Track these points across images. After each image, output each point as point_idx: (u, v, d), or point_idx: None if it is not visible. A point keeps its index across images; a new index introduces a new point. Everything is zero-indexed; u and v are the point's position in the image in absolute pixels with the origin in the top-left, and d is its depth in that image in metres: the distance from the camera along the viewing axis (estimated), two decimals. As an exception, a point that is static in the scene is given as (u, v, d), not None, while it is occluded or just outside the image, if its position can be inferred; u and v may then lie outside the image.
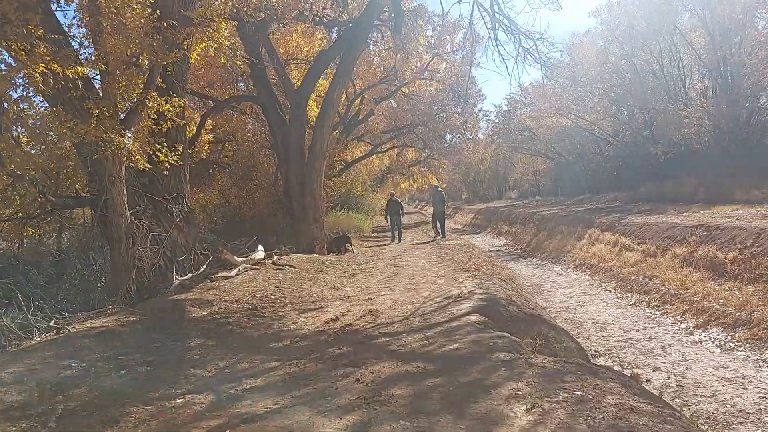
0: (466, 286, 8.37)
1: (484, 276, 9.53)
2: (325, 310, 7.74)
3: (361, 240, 20.46)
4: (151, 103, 10.01)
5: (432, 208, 21.20)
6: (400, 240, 19.75)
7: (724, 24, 25.71)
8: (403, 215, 20.88)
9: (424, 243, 18.93)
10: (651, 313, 11.41)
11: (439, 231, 19.83)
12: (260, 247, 12.81)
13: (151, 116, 10.72)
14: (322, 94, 16.95)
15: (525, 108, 48.30)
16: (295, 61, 24.23)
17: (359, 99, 29.37)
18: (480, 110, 42.42)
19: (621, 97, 29.56)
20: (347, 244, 16.57)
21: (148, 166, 9.87)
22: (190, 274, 10.64)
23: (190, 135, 20.24)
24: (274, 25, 20.93)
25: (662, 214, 18.23)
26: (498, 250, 26.39)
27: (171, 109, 10.23)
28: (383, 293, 8.62)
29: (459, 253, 13.31)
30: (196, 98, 24.02)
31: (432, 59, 29.43)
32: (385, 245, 19.15)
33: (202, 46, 10.91)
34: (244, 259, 11.68)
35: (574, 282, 16.02)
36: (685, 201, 20.89)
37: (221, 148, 27.05)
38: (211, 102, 24.08)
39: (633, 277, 13.78)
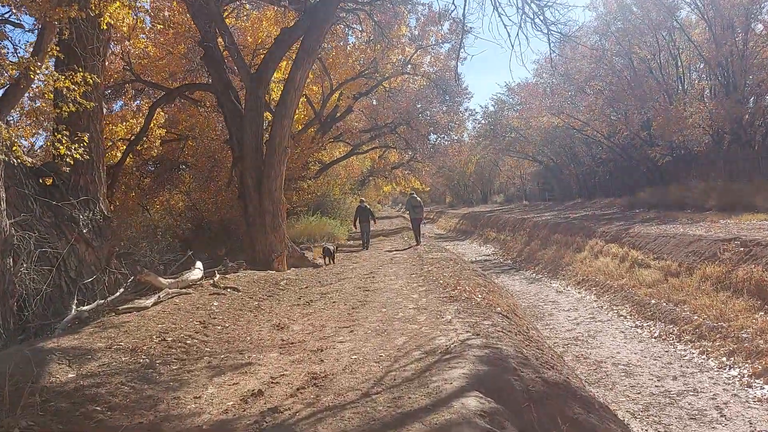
0: (456, 330, 5.99)
1: (479, 310, 7.16)
2: (252, 369, 5.31)
3: (333, 250, 18.02)
4: (37, 77, 7.55)
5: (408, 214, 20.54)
6: (366, 248, 18.42)
7: (727, 18, 23.81)
8: (375, 222, 19.92)
9: (403, 250, 16.59)
10: (685, 351, 9.12)
11: (416, 237, 19.30)
12: (198, 264, 10.31)
13: (46, 95, 8.25)
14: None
15: (512, 109, 46.32)
16: (266, 51, 21.78)
17: (336, 95, 26.94)
18: (466, 109, 40.33)
19: (617, 95, 27.47)
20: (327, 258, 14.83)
21: (27, 159, 7.37)
22: (96, 303, 8.14)
23: (137, 129, 17.77)
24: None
25: (673, 224, 16.07)
26: (486, 260, 24.12)
27: (72, 86, 7.76)
28: (341, 338, 6.21)
29: (444, 271, 10.92)
30: (151, 90, 21.53)
31: (416, 52, 27.12)
32: (357, 255, 16.73)
33: (114, 6, 8.43)
34: (173, 280, 9.19)
35: (579, 303, 13.74)
36: (695, 208, 18.79)
37: (183, 146, 24.58)
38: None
39: (653, 301, 11.51)
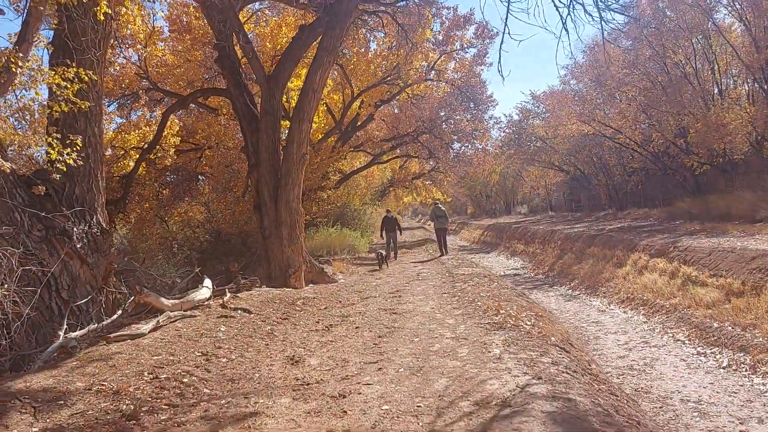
0: (510, 370, 4.85)
1: (532, 341, 6.01)
2: (258, 423, 4.24)
3: (354, 263, 16.94)
4: (23, 71, 6.64)
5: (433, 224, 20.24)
6: (395, 258, 18.24)
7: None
8: (401, 233, 19.69)
9: (427, 262, 15.48)
10: (765, 385, 7.84)
11: (444, 248, 19.11)
12: (207, 282, 9.30)
13: (34, 91, 7.34)
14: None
15: (538, 117, 45.04)
16: (284, 56, 20.93)
17: (357, 103, 26.01)
18: (491, 117, 39.23)
19: (652, 101, 26.07)
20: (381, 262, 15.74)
21: (6, 165, 6.44)
22: (87, 328, 7.16)
23: (150, 137, 16.97)
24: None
25: (725, 236, 14.73)
26: (515, 274, 22.84)
27: (63, 83, 6.85)
28: (368, 377, 5.11)
29: (480, 290, 9.78)
30: (166, 99, 20.79)
31: (440, 57, 26.08)
32: (380, 269, 15.63)
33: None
34: (177, 301, 8.19)
35: (626, 324, 12.45)
36: (744, 219, 17.37)
37: (200, 156, 23.85)
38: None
39: (715, 325, 10.21)
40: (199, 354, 6.15)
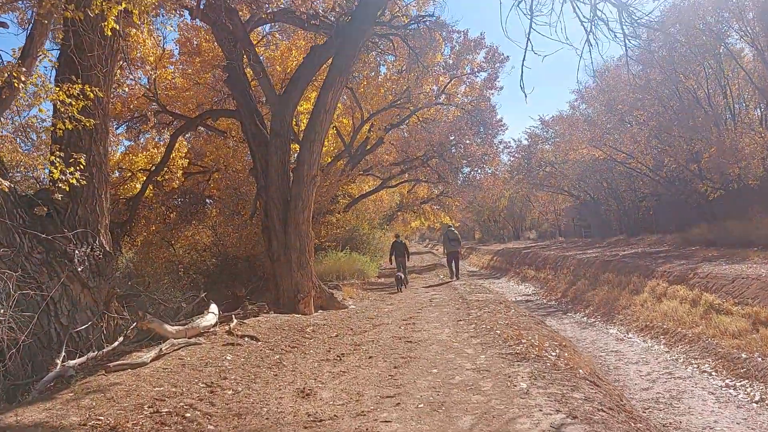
0: (541, 407, 4.46)
1: (559, 374, 5.61)
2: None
3: (364, 289, 16.54)
4: (26, 86, 6.43)
5: (443, 248, 20.56)
6: (406, 285, 17.76)
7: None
8: (409, 258, 19.43)
9: (438, 286, 15.07)
10: (805, 422, 7.35)
11: (456, 273, 19.34)
12: (213, 307, 8.95)
13: (38, 109, 7.13)
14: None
15: (547, 142, 44.84)
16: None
17: (367, 126, 25.90)
18: (500, 141, 39.03)
19: (665, 126, 25.75)
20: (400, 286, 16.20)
21: (5, 183, 6.18)
22: (86, 356, 6.81)
23: (158, 159, 16.82)
24: (258, 29, 17.68)
25: (746, 263, 14.25)
26: (527, 300, 22.33)
27: (68, 99, 6.64)
28: (386, 414, 4.73)
29: (497, 318, 9.37)
30: (175, 121, 20.71)
31: (450, 81, 26.01)
32: (392, 295, 15.23)
33: (120, 8, 7.33)
34: (181, 327, 7.83)
35: (647, 354, 11.96)
36: (763, 246, 16.88)
37: (208, 179, 23.72)
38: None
39: (743, 355, 9.73)
40: (204, 385, 5.78)
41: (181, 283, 21.19)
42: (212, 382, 5.89)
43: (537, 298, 23.46)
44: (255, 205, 13.40)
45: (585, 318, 17.19)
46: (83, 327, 7.35)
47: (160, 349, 6.74)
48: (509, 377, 5.53)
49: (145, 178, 16.48)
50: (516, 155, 43.57)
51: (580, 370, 5.90)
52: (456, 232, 19.92)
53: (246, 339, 7.99)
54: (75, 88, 6.69)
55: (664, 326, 12.98)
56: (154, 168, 16.12)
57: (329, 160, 25.14)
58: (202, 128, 23.50)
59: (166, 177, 16.80)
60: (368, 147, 26.97)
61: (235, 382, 5.99)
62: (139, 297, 9.35)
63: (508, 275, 33.58)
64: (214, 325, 8.51)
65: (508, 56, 25.86)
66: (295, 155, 15.32)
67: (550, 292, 23.68)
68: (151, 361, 6.47)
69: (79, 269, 7.43)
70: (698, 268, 14.57)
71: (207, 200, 26.76)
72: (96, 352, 6.92)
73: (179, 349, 7.18)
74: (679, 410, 8.37)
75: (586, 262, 22.83)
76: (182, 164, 17.03)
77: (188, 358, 6.74)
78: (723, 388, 9.15)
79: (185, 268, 24.61)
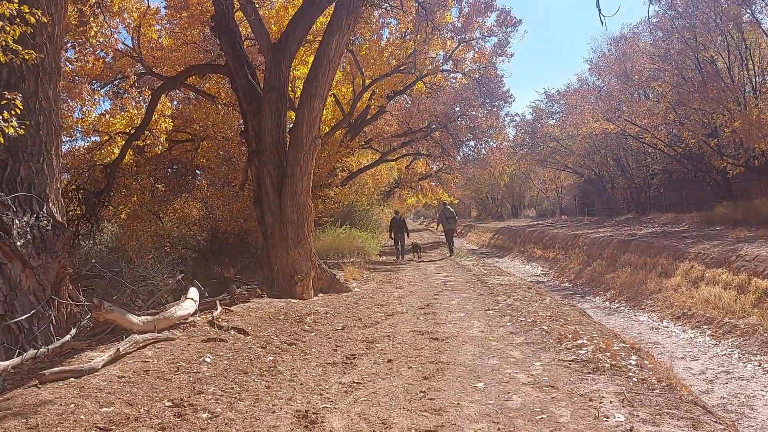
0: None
1: (658, 396, 4.09)
2: None
3: (366, 268, 15.00)
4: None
5: (441, 225, 21.17)
6: (403, 258, 18.92)
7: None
8: (408, 235, 20.38)
9: (443, 265, 13.59)
10: None
11: (450, 248, 20.14)
12: (192, 292, 7.38)
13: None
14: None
15: (553, 116, 43.21)
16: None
17: (368, 94, 24.11)
18: (506, 114, 37.37)
19: (684, 98, 24.08)
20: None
21: None
22: (23, 356, 5.24)
23: (137, 120, 15.08)
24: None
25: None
26: (537, 282, 20.88)
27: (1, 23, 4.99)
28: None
29: (533, 308, 7.87)
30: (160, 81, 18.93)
31: (458, 46, 24.18)
32: (398, 276, 13.70)
33: None
34: (152, 317, 6.27)
35: (692, 347, 10.52)
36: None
37: (197, 147, 21.99)
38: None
39: (820, 353, 8.29)
40: (170, 404, 4.24)
41: (168, 259, 19.71)
42: (182, 399, 4.35)
43: (547, 279, 22.04)
44: (246, 174, 11.76)
45: (607, 303, 15.76)
46: (24, 317, 5.77)
47: (117, 349, 5.17)
48: (590, 400, 4.01)
49: (124, 142, 14.76)
50: (520, 130, 42.02)
51: (683, 391, 4.38)
52: (452, 210, 20.49)
53: (232, 332, 6.44)
54: (9, 7, 5.02)
55: (707, 315, 11.54)
56: (134, 131, 14.37)
57: (327, 129, 23.43)
58: (191, 93, 21.79)
59: (148, 142, 15.08)
60: (369, 117, 25.23)
61: (213, 399, 4.45)
62: (104, 278, 7.73)
63: (512, 254, 32.16)
64: (194, 314, 6.96)
65: (521, 19, 23.98)
66: (291, 123, 13.75)
67: (561, 273, 22.25)
68: (103, 366, 4.92)
69: (19, 243, 5.83)
70: (739, 250, 13.10)
71: (197, 171, 25.17)
72: (36, 351, 5.34)
73: (145, 346, 5.63)
74: (757, 422, 6.92)
75: (601, 241, 21.38)
76: (165, 127, 15.28)
77: (155, 361, 5.19)
78: (800, 393, 7.71)
79: (173, 242, 23.12)
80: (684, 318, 12.13)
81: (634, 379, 4.49)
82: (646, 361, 5.09)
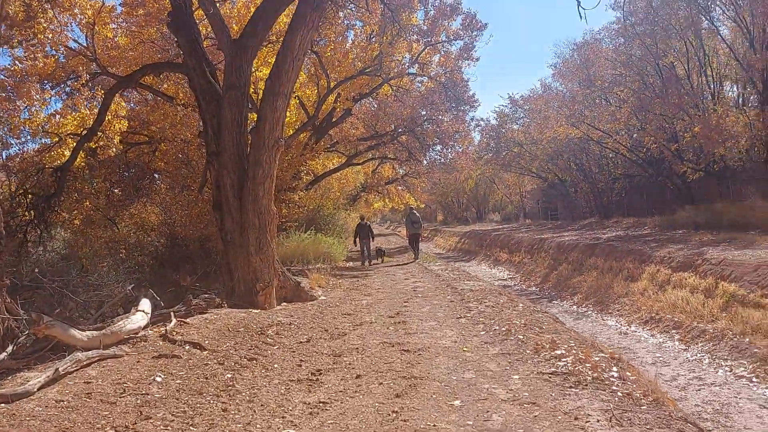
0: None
1: (646, 414, 3.82)
2: None
3: (333, 275, 14.56)
4: None
5: (406, 230, 21.41)
6: (370, 263, 19.19)
7: (765, 23, 21.28)
8: (373, 239, 20.40)
9: (414, 270, 13.26)
10: None
11: (415, 253, 20.18)
12: (144, 304, 6.86)
13: None
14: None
15: (517, 121, 43.51)
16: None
17: (333, 96, 23.70)
18: (472, 119, 37.37)
19: (645, 103, 24.39)
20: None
21: None
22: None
23: (89, 121, 14.32)
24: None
25: (756, 248, 12.89)
26: (504, 286, 20.74)
27: None
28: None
29: (506, 315, 7.60)
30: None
31: (424, 49, 24.00)
32: (366, 283, 13.31)
33: None
34: (97, 332, 5.75)
35: (662, 352, 10.44)
36: (762, 229, 15.64)
37: (154, 150, 21.24)
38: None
39: (790, 358, 8.24)
40: (114, 433, 3.77)
41: (124, 266, 19.00)
42: (127, 426, 3.89)
43: (514, 283, 21.97)
44: (205, 176, 11.21)
45: (575, 307, 15.71)
46: (-49, 335, 5.21)
47: (56, 369, 4.65)
48: (576, 419, 3.72)
49: (75, 143, 13.97)
50: (485, 135, 42.18)
51: (671, 406, 4.13)
52: (418, 214, 20.93)
53: (187, 347, 5.96)
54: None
55: (675, 319, 11.51)
56: (85, 132, 13.61)
57: (291, 132, 22.92)
58: (149, 94, 21.06)
59: (101, 143, 14.33)
60: (334, 119, 24.83)
61: (163, 425, 4.00)
62: (47, 289, 7.14)
63: (478, 258, 32.15)
64: (145, 328, 6.45)
65: (486, 23, 23.92)
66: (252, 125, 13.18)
67: (527, 277, 22.23)
68: (40, 389, 4.41)
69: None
70: (705, 254, 13.16)
71: (156, 174, 24.38)
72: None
73: (89, 365, 5.12)
74: (734, 431, 6.77)
75: (566, 245, 21.42)
76: (120, 128, 14.54)
77: (99, 382, 4.70)
78: (773, 399, 7.62)
79: (129, 249, 22.28)
80: (652, 322, 12.08)
81: (619, 393, 4.22)
82: (628, 373, 4.84)
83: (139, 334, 6.27)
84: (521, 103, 42.25)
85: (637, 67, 25.16)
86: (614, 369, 4.86)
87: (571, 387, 4.39)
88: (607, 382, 4.48)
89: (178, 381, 4.96)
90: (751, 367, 8.63)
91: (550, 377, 4.68)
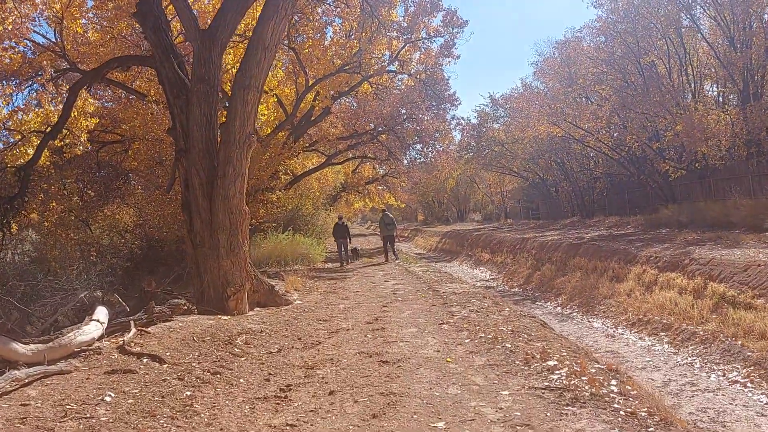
0: None
1: (619, 415, 3.40)
2: None
3: (310, 277, 14.02)
4: None
5: (380, 231, 21.38)
6: (347, 263, 19.31)
7: (745, 21, 21.31)
8: (351, 240, 20.48)
9: (392, 272, 12.79)
10: None
11: (393, 254, 20.38)
12: (99, 311, 6.29)
13: None
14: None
15: (498, 120, 43.37)
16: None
17: (312, 94, 23.16)
18: (453, 117, 37.08)
19: (627, 102, 24.23)
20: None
21: None
22: None
23: (55, 118, 13.62)
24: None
25: (743, 247, 12.66)
26: (487, 287, 20.37)
27: None
28: None
29: (491, 320, 7.17)
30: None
31: (404, 46, 23.55)
32: (344, 285, 12.82)
33: None
34: (44, 345, 5.18)
35: (651, 355, 10.11)
36: (747, 228, 15.46)
37: (127, 149, 20.52)
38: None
39: (785, 361, 7.92)
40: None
41: (96, 269, 18.34)
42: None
43: (496, 284, 21.64)
44: (174, 174, 10.63)
45: (559, 308, 15.38)
46: None
47: (-12, 390, 4.10)
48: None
49: (39, 141, 13.26)
50: (466, 134, 41.93)
51: (679, 427, 3.71)
52: (391, 215, 20.98)
53: (145, 360, 5.42)
54: None
55: (664, 321, 11.19)
56: (50, 129, 12.92)
57: (269, 131, 22.36)
58: (124, 95, 20.40)
59: (67, 141, 13.64)
60: (313, 118, 24.27)
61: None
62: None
63: (460, 258, 31.80)
64: (100, 339, 5.89)
65: (467, 20, 23.54)
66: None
67: (510, 277, 21.90)
68: (-35, 416, 3.85)
69: None
70: (691, 253, 12.89)
71: (129, 175, 23.68)
72: None
73: (30, 383, 4.56)
74: (734, 442, 6.42)
75: (549, 245, 21.13)
76: (87, 125, 13.85)
77: (37, 404, 4.15)
78: (769, 405, 7.28)
79: (102, 251, 21.61)
80: (639, 324, 11.76)
81: (622, 412, 3.79)
82: (628, 387, 4.42)
83: (93, 347, 5.71)
84: (502, 102, 42.10)
85: (618, 65, 25.00)
86: (613, 383, 4.44)
87: (567, 405, 3.95)
88: (607, 399, 4.05)
89: (130, 401, 4.43)
90: (745, 371, 8.31)
91: (543, 393, 4.24)
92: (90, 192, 21.83)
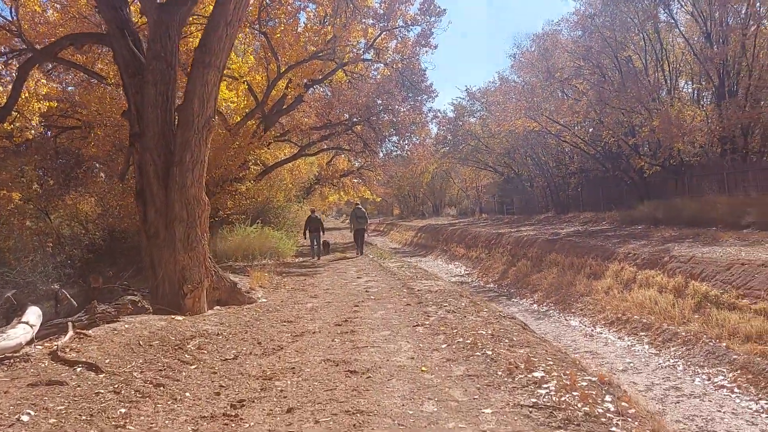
0: None
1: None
2: None
3: (278, 272, 13.33)
4: None
5: (351, 225, 21.15)
6: (318, 258, 18.76)
7: (722, 17, 21.24)
8: (324, 233, 20.04)
9: (366, 267, 12.22)
10: None
11: (360, 249, 20.30)
12: (31, 312, 5.57)
13: None
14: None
15: (475, 114, 43.07)
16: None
17: (284, 81, 22.35)
18: (430, 110, 36.55)
19: (604, 97, 23.98)
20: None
21: None
22: None
23: (3, 99, 12.68)
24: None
25: (722, 245, 12.38)
26: (461, 282, 19.93)
27: None
28: None
29: (469, 322, 6.64)
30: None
31: (380, 34, 22.88)
32: (314, 282, 12.18)
33: None
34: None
35: (631, 356, 9.71)
36: (726, 225, 15.25)
37: (87, 135, 19.50)
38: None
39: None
40: None
41: (55, 261, 17.49)
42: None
43: (471, 280, 21.23)
44: (128, 161, 9.87)
45: (535, 306, 14.99)
46: None
47: None
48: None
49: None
50: (443, 127, 41.53)
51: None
52: (363, 209, 20.69)
53: (79, 369, 4.74)
54: None
55: (643, 320, 10.83)
56: (-2, 111, 11.98)
57: (239, 118, 21.52)
58: (85, 77, 19.34)
59: (17, 125, 12.73)
60: (285, 106, 23.44)
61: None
62: None
63: (435, 253, 31.40)
64: (29, 343, 5.18)
65: (444, 9, 22.95)
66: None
67: (485, 273, 21.51)
68: None
69: None
70: (671, 250, 12.57)
71: (95, 163, 22.62)
72: None
73: (-69, 402, 3.86)
74: (723, 453, 6.00)
75: (525, 240, 20.78)
76: (39, 108, 12.94)
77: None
78: (758, 413, 6.91)
79: (61, 242, 20.67)
80: (618, 323, 11.39)
81: (613, 430, 3.27)
82: (624, 404, 3.91)
83: (20, 353, 5.02)
84: (479, 96, 41.78)
85: (595, 59, 24.74)
86: (608, 398, 3.93)
87: (560, 427, 3.42)
88: (603, 420, 3.53)
89: (51, 420, 3.77)
90: (731, 375, 7.94)
91: (531, 412, 3.70)
92: (50, 180, 20.78)
